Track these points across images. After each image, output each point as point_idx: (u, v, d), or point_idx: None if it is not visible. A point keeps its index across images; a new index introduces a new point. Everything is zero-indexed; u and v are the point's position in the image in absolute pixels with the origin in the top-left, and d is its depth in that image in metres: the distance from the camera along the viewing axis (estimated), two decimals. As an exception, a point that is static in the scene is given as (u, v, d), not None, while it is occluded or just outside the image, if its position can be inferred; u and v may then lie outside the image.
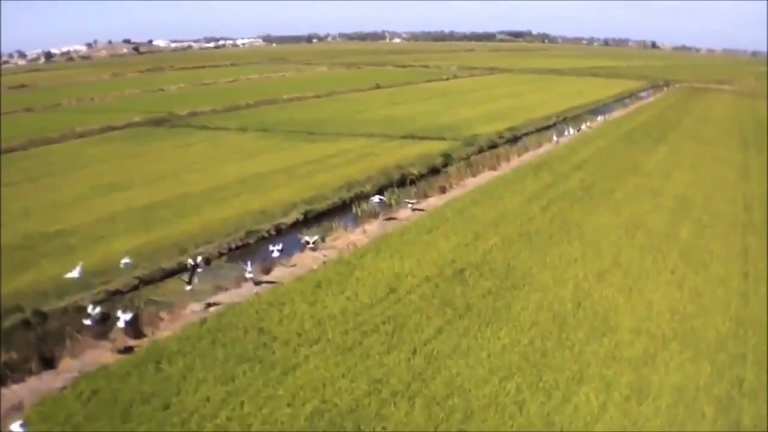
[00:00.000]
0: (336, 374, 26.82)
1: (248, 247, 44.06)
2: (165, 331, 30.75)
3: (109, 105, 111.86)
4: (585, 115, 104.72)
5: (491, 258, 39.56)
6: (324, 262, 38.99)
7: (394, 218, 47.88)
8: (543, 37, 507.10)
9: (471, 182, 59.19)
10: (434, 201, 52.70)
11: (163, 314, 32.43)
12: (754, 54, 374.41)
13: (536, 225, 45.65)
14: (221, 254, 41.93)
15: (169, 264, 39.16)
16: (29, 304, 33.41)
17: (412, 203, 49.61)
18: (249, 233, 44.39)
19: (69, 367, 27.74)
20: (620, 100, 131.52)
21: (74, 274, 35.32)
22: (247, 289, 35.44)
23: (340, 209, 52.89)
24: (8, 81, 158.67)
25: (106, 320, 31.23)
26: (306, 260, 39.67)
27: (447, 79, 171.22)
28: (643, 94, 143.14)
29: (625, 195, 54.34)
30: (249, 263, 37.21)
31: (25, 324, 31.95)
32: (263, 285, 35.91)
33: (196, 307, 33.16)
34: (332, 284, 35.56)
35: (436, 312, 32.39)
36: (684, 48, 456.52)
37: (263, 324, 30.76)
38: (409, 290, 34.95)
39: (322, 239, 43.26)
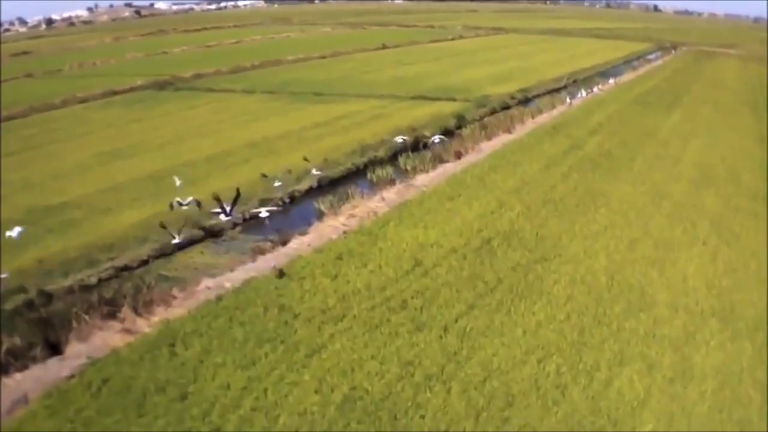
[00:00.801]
0: (364, 356, 24.93)
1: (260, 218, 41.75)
2: (178, 309, 28.68)
3: (111, 69, 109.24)
4: (595, 77, 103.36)
5: (518, 227, 37.75)
6: (344, 232, 36.95)
7: (411, 185, 45.52)
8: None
9: (487, 146, 57.04)
10: (452, 166, 50.54)
11: (175, 291, 30.22)
12: (756, 20, 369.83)
13: (560, 192, 43.90)
14: (235, 225, 39.69)
15: (179, 237, 36.84)
16: (33, 283, 31.33)
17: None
18: (262, 202, 41.98)
19: (76, 352, 25.66)
20: (629, 62, 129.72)
21: (13, 234, 34.82)
22: (264, 263, 33.25)
23: (354, 175, 51.02)
24: (9, 48, 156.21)
25: (114, 298, 29.13)
26: (324, 230, 37.61)
27: (452, 39, 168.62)
28: (651, 56, 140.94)
29: (645, 162, 52.53)
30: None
31: (29, 305, 29.95)
32: (281, 258, 33.60)
33: (210, 282, 31.02)
34: (354, 256, 33.59)
35: (466, 286, 30.50)
36: (686, 12, 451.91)
37: (284, 300, 28.78)
38: (436, 262, 32.97)
39: (339, 207, 41.03)
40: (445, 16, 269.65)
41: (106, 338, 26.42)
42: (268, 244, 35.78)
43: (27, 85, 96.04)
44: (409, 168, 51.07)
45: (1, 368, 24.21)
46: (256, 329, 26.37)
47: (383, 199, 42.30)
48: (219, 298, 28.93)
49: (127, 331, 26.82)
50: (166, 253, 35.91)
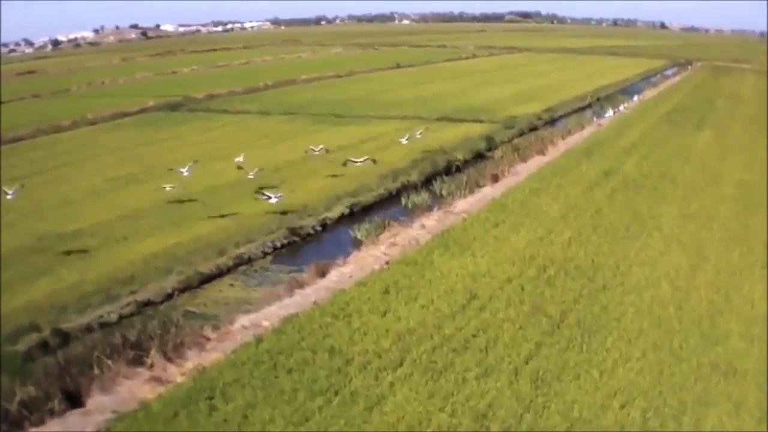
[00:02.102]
0: (431, 408, 21.61)
1: (294, 246, 38.54)
2: (212, 353, 25.46)
3: (120, 89, 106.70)
4: (617, 95, 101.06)
5: (572, 254, 34.85)
6: (386, 262, 33.76)
7: (450, 211, 42.58)
8: (552, 18, 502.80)
9: (522, 169, 54.35)
10: (490, 191, 47.76)
11: (207, 331, 26.97)
12: (762, 34, 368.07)
13: (608, 217, 41.19)
14: (265, 254, 36.59)
15: (206, 267, 33.65)
16: (46, 320, 28.12)
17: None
18: (293, 230, 38.79)
19: (100, 404, 22.38)
20: (647, 78, 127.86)
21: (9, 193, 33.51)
22: (303, 297, 30.07)
23: (387, 201, 48.07)
24: (15, 68, 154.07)
25: (139, 340, 25.87)
26: (365, 260, 34.46)
27: (467, 58, 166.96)
28: (667, 72, 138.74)
29: (687, 183, 49.86)
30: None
31: (43, 347, 26.67)
32: (321, 292, 30.36)
33: (246, 320, 27.78)
34: (402, 289, 30.41)
35: (529, 321, 27.45)
36: (693, 29, 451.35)
37: (332, 342, 25.54)
38: (492, 295, 29.92)
39: (378, 235, 37.86)
40: (454, 36, 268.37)
41: (133, 388, 23.13)
42: (305, 275, 32.41)
43: (34, 106, 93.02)
44: (444, 193, 48.33)
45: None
46: (305, 378, 23.08)
47: (423, 226, 39.24)
48: (258, 340, 25.66)
49: (157, 379, 23.52)
50: (192, 285, 32.67)
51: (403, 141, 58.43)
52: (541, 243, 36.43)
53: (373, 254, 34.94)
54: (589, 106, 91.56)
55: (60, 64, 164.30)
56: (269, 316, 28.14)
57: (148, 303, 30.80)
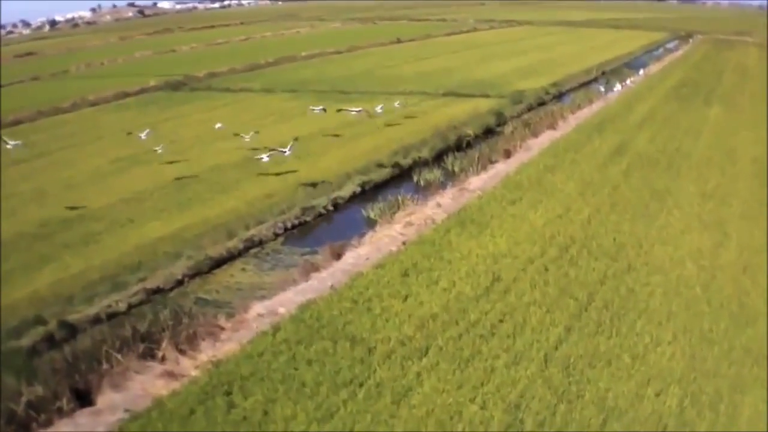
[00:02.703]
0: (461, 399, 20.48)
1: (306, 226, 37.26)
2: (227, 343, 24.18)
3: (120, 69, 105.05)
4: (622, 68, 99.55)
5: (593, 232, 33.68)
6: (403, 243, 32.42)
7: (464, 188, 41.26)
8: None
9: (534, 144, 52.85)
10: (503, 167, 46.30)
11: (221, 320, 25.70)
12: (761, 7, 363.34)
13: (625, 193, 39.96)
14: (276, 235, 35.31)
15: (216, 251, 32.34)
16: (52, 312, 26.84)
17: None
18: (304, 210, 37.43)
19: (111, 402, 21.19)
20: (650, 52, 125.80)
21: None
22: (319, 281, 28.81)
23: (398, 178, 46.69)
24: (13, 50, 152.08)
25: (150, 331, 24.63)
26: (381, 241, 33.17)
27: (467, 32, 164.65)
28: (669, 45, 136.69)
29: (702, 158, 48.44)
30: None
31: (49, 340, 25.42)
32: (338, 275, 29.09)
33: (261, 308, 26.49)
34: (422, 272, 29.18)
35: (556, 304, 26.26)
36: (690, 0, 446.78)
37: (352, 330, 24.34)
38: (516, 276, 28.70)
39: (392, 215, 36.51)
40: (453, 9, 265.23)
41: (146, 384, 21.90)
42: (319, 257, 31.14)
43: (33, 88, 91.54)
44: (457, 169, 47.02)
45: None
46: (327, 370, 21.89)
47: (439, 204, 37.89)
48: (275, 329, 24.43)
49: (170, 374, 22.27)
50: (203, 271, 31.39)
51: (378, 110, 59.76)
52: (560, 221, 35.22)
53: (388, 234, 33.63)
54: (595, 80, 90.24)
55: (58, 45, 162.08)
56: (285, 302, 26.87)
57: (157, 290, 29.60)
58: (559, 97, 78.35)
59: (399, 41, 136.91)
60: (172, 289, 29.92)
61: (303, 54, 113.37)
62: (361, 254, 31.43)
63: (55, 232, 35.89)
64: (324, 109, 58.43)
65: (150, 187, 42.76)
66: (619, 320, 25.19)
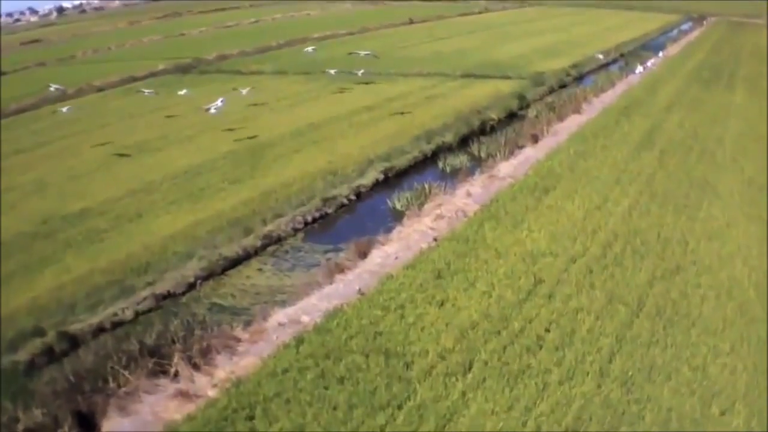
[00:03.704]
0: (513, 423, 18.22)
1: (327, 219, 34.72)
2: (246, 358, 21.71)
3: (128, 54, 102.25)
4: (639, 50, 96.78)
5: (635, 227, 31.19)
6: (434, 239, 29.85)
7: (493, 175, 38.62)
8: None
9: (561, 128, 50.08)
10: (531, 152, 43.72)
11: (238, 330, 23.12)
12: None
13: (662, 183, 37.45)
14: (296, 231, 32.69)
15: (231, 250, 29.75)
16: (52, 322, 24.39)
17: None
18: (325, 201, 34.83)
19: (118, 428, 18.97)
20: (665, 33, 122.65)
21: None
22: (345, 285, 26.28)
23: (422, 164, 44.00)
24: (19, 37, 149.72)
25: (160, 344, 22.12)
26: (410, 236, 30.58)
27: (480, 12, 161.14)
28: (684, 27, 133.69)
29: (736, 145, 45.86)
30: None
31: (49, 354, 22.91)
32: (365, 277, 26.53)
33: (282, 316, 23.96)
34: (457, 273, 26.61)
35: (606, 311, 23.82)
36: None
37: (386, 342, 21.86)
38: (559, 279, 26.17)
39: (420, 205, 33.91)
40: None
41: (157, 406, 19.56)
42: (344, 256, 28.58)
43: (39, 74, 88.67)
44: (483, 155, 44.36)
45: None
46: (361, 389, 19.45)
47: (469, 194, 35.24)
48: (299, 341, 21.91)
49: (184, 394, 19.82)
50: (216, 272, 28.85)
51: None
52: (599, 213, 32.71)
53: (417, 229, 31.04)
54: (615, 61, 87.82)
55: (65, 31, 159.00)
56: (308, 309, 24.34)
57: (167, 295, 27.12)
58: (580, 79, 75.66)
59: (411, 22, 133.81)
60: (183, 293, 27.46)
61: (315, 35, 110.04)
62: (389, 252, 28.86)
63: (57, 230, 33.38)
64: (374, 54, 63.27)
65: (159, 177, 40.20)
66: (673, 328, 22.95)
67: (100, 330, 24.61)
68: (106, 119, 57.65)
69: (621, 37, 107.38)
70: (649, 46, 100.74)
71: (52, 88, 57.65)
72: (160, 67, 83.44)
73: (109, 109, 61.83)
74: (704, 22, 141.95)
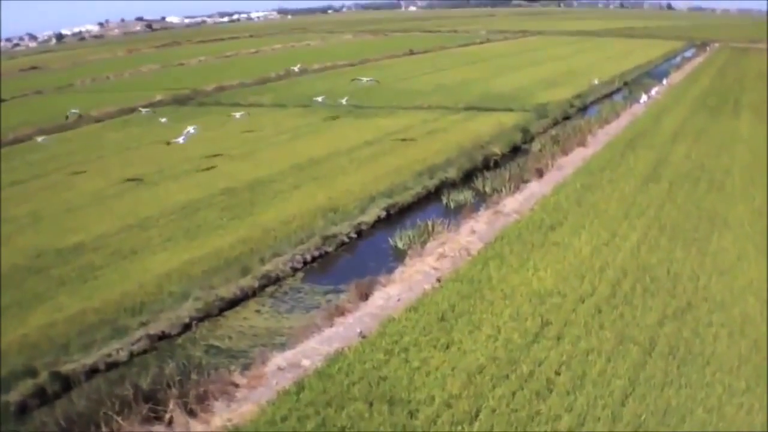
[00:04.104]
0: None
1: (327, 258, 33.80)
2: (244, 404, 20.88)
3: (126, 83, 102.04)
4: (643, 78, 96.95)
5: (644, 262, 30.44)
6: (438, 280, 29.08)
7: (499, 211, 37.94)
8: (559, 1, 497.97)
9: (566, 162, 49.51)
10: (537, 187, 43.09)
11: (236, 375, 22.24)
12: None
13: (671, 215, 36.81)
14: (295, 270, 31.86)
15: (228, 290, 28.92)
16: (44, 361, 23.55)
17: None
18: (325, 239, 34.03)
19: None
20: (668, 60, 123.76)
21: None
22: (346, 328, 25.46)
23: (425, 200, 43.21)
24: (18, 64, 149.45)
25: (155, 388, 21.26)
26: (412, 277, 29.75)
27: (481, 43, 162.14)
28: (687, 54, 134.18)
29: (744, 174, 45.15)
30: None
31: (41, 395, 22.05)
32: (366, 320, 25.67)
33: (281, 359, 23.11)
34: (461, 315, 25.85)
35: (617, 353, 23.06)
36: (699, 8, 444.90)
37: (389, 388, 21.06)
38: (567, 320, 25.41)
39: (422, 244, 33.10)
40: (463, 21, 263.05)
41: (150, 457, 18.39)
42: (344, 297, 27.79)
43: (36, 103, 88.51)
44: (488, 190, 43.69)
45: None
46: (363, 441, 18.32)
47: (473, 231, 34.49)
48: (300, 387, 21.13)
49: (179, 444, 18.76)
50: (213, 313, 28.05)
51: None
52: (607, 249, 32.00)
53: (420, 269, 30.24)
54: (618, 91, 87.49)
55: (64, 59, 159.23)
56: (309, 352, 23.54)
57: (162, 336, 26.25)
58: (584, 109, 75.47)
59: (412, 53, 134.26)
60: (179, 334, 26.68)
61: (315, 67, 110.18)
62: (391, 294, 28.03)
63: (51, 266, 32.59)
64: (376, 81, 71.07)
65: (156, 212, 39.42)
66: (687, 368, 22.23)
67: (93, 371, 23.83)
68: (103, 151, 56.70)
69: (624, 65, 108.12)
70: (653, 74, 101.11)
71: (72, 111, 59.08)
72: (158, 97, 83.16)
73: (106, 141, 60.87)
74: (707, 48, 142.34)
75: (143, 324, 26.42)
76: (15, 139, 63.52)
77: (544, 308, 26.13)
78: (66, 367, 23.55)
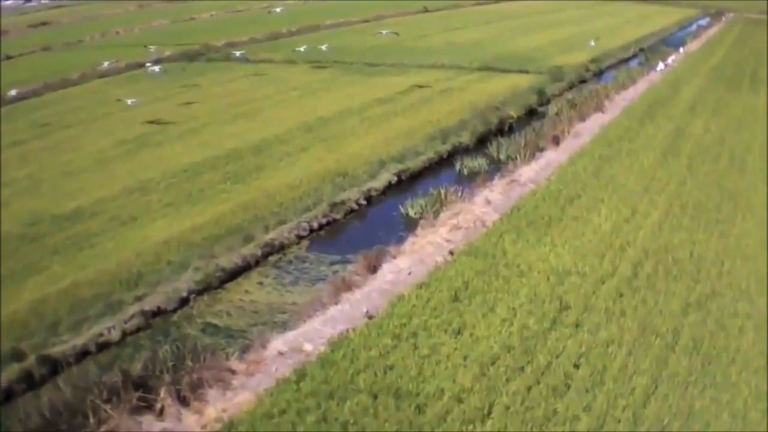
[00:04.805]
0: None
1: (334, 225, 32.26)
2: (241, 393, 19.44)
3: (135, 38, 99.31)
4: (659, 45, 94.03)
5: (666, 242, 28.89)
6: (450, 252, 27.52)
7: (514, 180, 36.13)
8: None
9: (583, 129, 47.34)
10: (554, 156, 41.10)
11: (233, 360, 20.76)
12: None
13: (693, 193, 35.09)
14: (300, 238, 30.37)
15: (230, 260, 27.43)
16: (33, 342, 22.19)
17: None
18: (333, 206, 32.44)
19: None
20: (684, 28, 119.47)
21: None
22: (352, 305, 23.91)
23: (438, 165, 41.48)
24: (26, 20, 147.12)
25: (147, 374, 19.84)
26: (424, 249, 28.15)
27: (496, 1, 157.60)
28: (702, 22, 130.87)
29: (764, 152, 42.88)
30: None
31: (28, 379, 20.68)
32: (374, 296, 24.17)
33: (281, 343, 21.61)
34: (475, 294, 24.26)
35: (639, 345, 21.56)
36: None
37: (396, 379, 19.56)
38: (587, 304, 23.84)
39: (435, 213, 31.50)
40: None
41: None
42: (351, 269, 26.28)
43: (43, 59, 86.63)
44: (503, 157, 41.94)
45: None
46: (366, 437, 16.87)
47: (488, 201, 32.80)
48: (300, 375, 19.70)
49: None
50: (212, 285, 26.55)
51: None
52: (628, 226, 30.43)
53: (432, 240, 28.65)
54: (634, 56, 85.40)
55: (74, 14, 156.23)
56: (311, 335, 22.04)
57: (158, 312, 24.78)
58: (600, 74, 73.07)
59: (426, 10, 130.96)
60: (175, 310, 25.26)
61: (327, 23, 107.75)
62: (401, 267, 26.48)
63: (46, 233, 31.22)
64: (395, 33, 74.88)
65: (157, 175, 37.97)
66: (712, 365, 20.76)
67: (84, 353, 22.51)
68: (108, 108, 55.04)
69: (640, 30, 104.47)
70: (669, 41, 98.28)
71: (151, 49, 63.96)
72: (167, 53, 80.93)
73: (112, 97, 59.16)
74: (722, 18, 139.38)
75: (138, 298, 25.07)
76: (19, 95, 61.52)
77: (562, 289, 24.60)
78: (55, 350, 22.24)
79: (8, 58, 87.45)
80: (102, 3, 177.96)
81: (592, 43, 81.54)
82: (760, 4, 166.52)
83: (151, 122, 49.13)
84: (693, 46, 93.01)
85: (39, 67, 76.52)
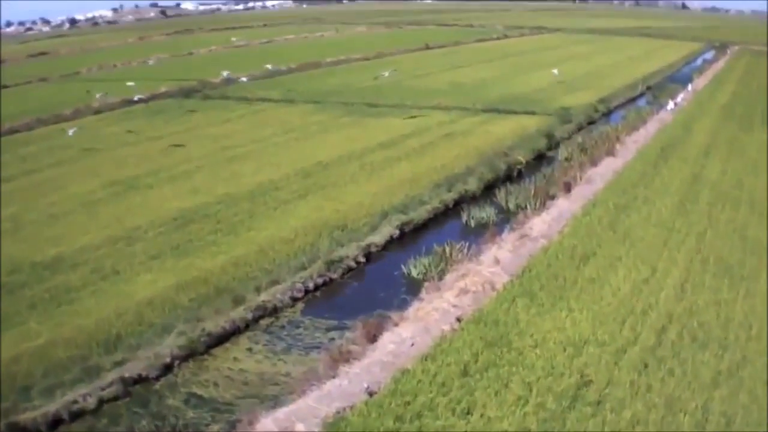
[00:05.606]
0: None
1: (331, 285, 30.12)
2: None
3: (132, 72, 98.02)
4: (666, 82, 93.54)
5: (690, 305, 26.91)
6: (458, 320, 25.35)
7: (525, 234, 34.20)
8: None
9: (595, 174, 45.59)
10: (565, 204, 39.30)
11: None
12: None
13: (714, 245, 33.19)
14: (294, 300, 28.26)
15: (217, 324, 25.32)
16: (2, 405, 20.59)
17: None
18: (329, 264, 30.31)
19: None
20: (689, 63, 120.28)
21: None
22: (351, 380, 21.87)
23: (443, 216, 39.44)
24: (27, 49, 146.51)
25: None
26: (429, 316, 26.03)
27: (498, 38, 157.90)
28: (707, 56, 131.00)
29: None
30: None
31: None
32: (374, 369, 22.07)
33: (271, 422, 19.68)
34: (486, 369, 22.18)
35: (665, 424, 19.63)
36: (713, 9, 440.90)
37: (401, 471, 17.10)
38: (610, 379, 21.75)
39: (440, 274, 29.40)
40: (479, 15, 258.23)
41: None
42: (349, 337, 24.27)
43: (39, 91, 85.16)
44: (512, 206, 39.99)
45: None
46: None
47: (497, 260, 30.67)
48: (295, 464, 17.26)
49: None
50: (198, 351, 24.42)
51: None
52: (648, 287, 28.41)
53: (437, 306, 26.55)
54: (642, 95, 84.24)
55: (74, 44, 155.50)
56: (305, 413, 20.01)
57: (138, 379, 22.53)
58: (608, 114, 71.99)
59: (428, 47, 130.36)
60: (157, 377, 23.06)
61: (328, 60, 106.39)
62: (404, 336, 24.38)
63: (25, 284, 29.23)
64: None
65: (145, 222, 35.91)
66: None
67: (56, 421, 20.69)
68: (99, 145, 53.37)
69: (646, 67, 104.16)
70: (675, 78, 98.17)
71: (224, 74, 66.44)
72: (162, 89, 79.35)
73: (104, 135, 57.25)
74: (727, 51, 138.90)
75: (117, 363, 23.05)
76: (11, 129, 60.00)
77: (581, 361, 22.62)
78: (25, 416, 20.41)
79: (5, 87, 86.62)
80: (102, 35, 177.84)
81: (555, 72, 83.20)
82: (759, 34, 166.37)
83: (142, 163, 46.99)
84: (700, 82, 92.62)
85: (33, 100, 74.84)
